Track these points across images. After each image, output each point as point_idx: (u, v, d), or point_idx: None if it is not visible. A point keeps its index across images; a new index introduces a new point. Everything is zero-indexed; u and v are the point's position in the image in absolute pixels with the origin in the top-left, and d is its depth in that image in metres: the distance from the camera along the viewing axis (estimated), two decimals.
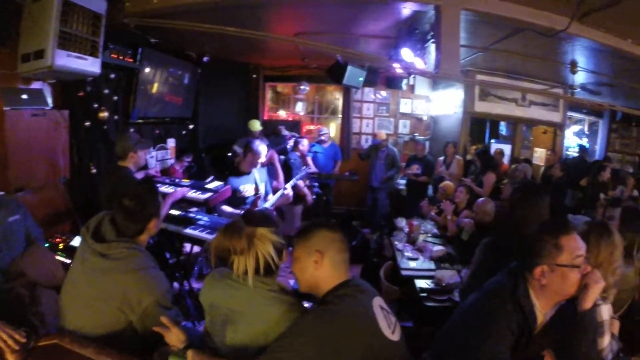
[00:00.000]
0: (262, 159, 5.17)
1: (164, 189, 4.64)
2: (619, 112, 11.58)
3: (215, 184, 4.87)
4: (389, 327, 1.97)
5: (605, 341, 2.27)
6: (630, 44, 5.24)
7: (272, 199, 5.29)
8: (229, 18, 4.98)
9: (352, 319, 1.88)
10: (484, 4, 4.28)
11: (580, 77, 8.21)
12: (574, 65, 6.98)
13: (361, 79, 7.75)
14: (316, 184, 7.66)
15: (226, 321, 2.04)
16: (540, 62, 7.19)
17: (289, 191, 5.39)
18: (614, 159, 12.16)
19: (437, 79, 9.81)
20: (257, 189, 5.19)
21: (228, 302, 2.07)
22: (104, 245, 2.33)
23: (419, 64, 5.43)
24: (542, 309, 2.03)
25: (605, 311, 2.28)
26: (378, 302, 2.02)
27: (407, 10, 4.75)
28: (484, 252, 3.19)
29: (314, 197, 7.49)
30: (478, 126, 11.89)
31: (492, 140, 12.31)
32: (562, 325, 2.02)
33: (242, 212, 4.89)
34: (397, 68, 5.64)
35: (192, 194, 4.62)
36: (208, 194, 4.61)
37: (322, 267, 2.01)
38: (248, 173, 5.14)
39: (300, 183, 6.65)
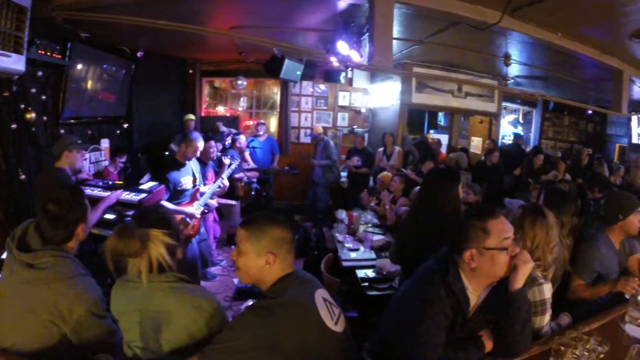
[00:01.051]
0: (198, 153, 5.09)
1: (97, 192, 4.52)
2: (551, 102, 12.19)
3: (150, 184, 4.78)
4: (332, 319, 2.01)
5: (546, 319, 2.42)
6: (560, 37, 5.43)
7: (208, 190, 5.27)
8: (162, 11, 4.88)
9: (291, 311, 1.91)
10: None
11: (514, 69, 8.52)
12: (507, 57, 7.22)
13: (299, 72, 7.72)
14: (254, 179, 7.64)
15: (142, 323, 2.03)
16: (475, 54, 7.39)
17: (225, 182, 5.44)
18: (548, 146, 12.97)
19: (370, 71, 10.04)
20: (195, 181, 5.14)
21: (133, 305, 2.06)
22: (29, 254, 2.23)
23: (355, 56, 5.49)
24: (475, 291, 2.10)
25: (547, 290, 2.43)
26: (321, 293, 2.06)
27: (342, 3, 4.78)
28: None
29: (253, 193, 7.49)
30: (417, 117, 12.19)
31: (431, 131, 12.69)
32: (496, 305, 2.11)
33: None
34: (334, 61, 5.69)
35: (126, 196, 4.51)
36: (142, 195, 4.52)
37: (272, 267, 2.02)
38: (184, 165, 5.03)
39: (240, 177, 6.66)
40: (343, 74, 10.19)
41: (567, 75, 8.29)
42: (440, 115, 12.89)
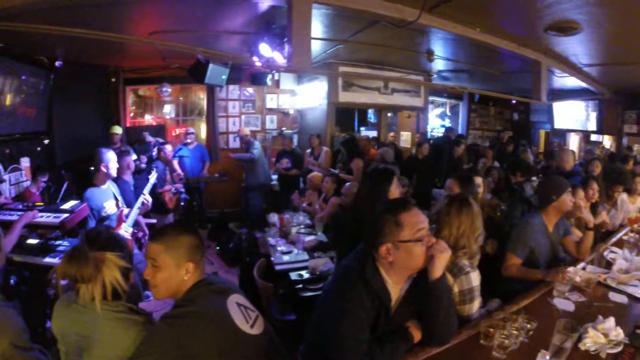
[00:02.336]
0: (113, 170, 4.85)
1: (16, 217, 4.21)
2: (477, 94, 12.71)
3: (71, 203, 4.59)
4: (247, 322, 2.03)
5: (475, 306, 2.51)
6: (479, 32, 5.64)
7: (133, 212, 5.00)
8: (77, 17, 4.73)
9: (203, 318, 1.91)
10: None
11: (438, 64, 8.81)
12: (430, 53, 7.44)
13: (224, 76, 7.60)
14: (183, 189, 7.54)
15: (80, 349, 1.96)
16: (399, 51, 7.58)
17: (147, 197, 5.14)
18: (476, 136, 13.70)
19: (290, 72, 10.14)
20: (118, 204, 4.91)
21: (77, 329, 1.98)
22: None
23: (278, 58, 5.52)
24: (396, 284, 2.15)
25: (475, 278, 2.52)
26: (235, 299, 2.07)
27: (263, 5, 4.78)
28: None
29: (182, 203, 7.39)
30: (347, 115, 12.36)
31: (362, 128, 12.93)
32: (419, 295, 2.16)
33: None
34: (257, 62, 5.71)
35: (45, 218, 4.29)
36: (64, 216, 4.32)
37: (192, 275, 2.03)
38: (103, 187, 4.81)
39: (168, 189, 6.56)
40: (270, 76, 10.15)
41: (489, 68, 8.62)
42: (370, 112, 13.12)
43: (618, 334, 2.31)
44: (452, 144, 9.72)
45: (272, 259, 4.99)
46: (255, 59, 5.72)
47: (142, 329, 1.97)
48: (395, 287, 2.16)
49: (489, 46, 6.07)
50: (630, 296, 3.01)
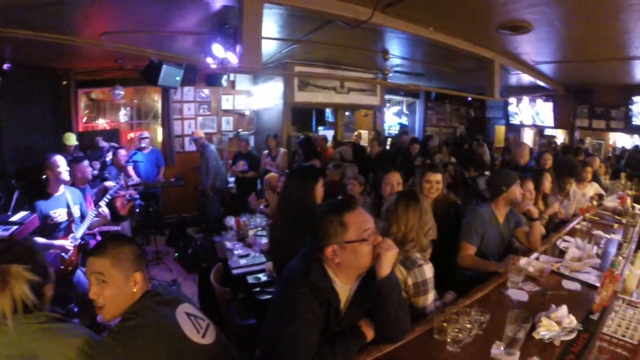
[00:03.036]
0: (65, 174, 4.59)
1: None
2: (433, 92, 12.96)
3: (20, 214, 4.42)
4: (198, 332, 2.01)
5: (430, 298, 2.54)
6: (432, 31, 5.77)
7: (86, 221, 4.72)
8: (24, 18, 4.63)
9: (151, 330, 1.86)
10: None
11: (394, 63, 8.94)
12: (385, 53, 7.55)
13: (178, 78, 7.55)
14: (137, 195, 7.37)
15: None
16: (355, 51, 7.66)
17: (104, 209, 4.84)
18: (433, 132, 14.09)
19: (241, 73, 10.12)
20: (70, 213, 4.66)
21: (5, 350, 1.84)
22: None
23: (231, 58, 5.49)
24: (345, 284, 2.14)
25: (429, 270, 2.55)
26: (184, 308, 2.04)
27: (215, 5, 4.75)
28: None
29: (138, 210, 7.26)
30: (305, 115, 12.35)
31: (320, 127, 12.94)
32: (368, 294, 2.16)
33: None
34: (211, 63, 5.66)
35: None
36: (13, 228, 4.15)
37: (140, 286, 2.00)
38: (56, 194, 4.59)
39: (121, 195, 6.39)
40: (225, 77, 10.04)
41: (444, 66, 8.84)
42: (328, 111, 13.15)
43: (571, 321, 2.37)
44: (407, 143, 9.93)
45: (228, 263, 4.93)
46: (209, 59, 5.64)
47: (85, 343, 1.88)
48: (345, 287, 2.16)
49: (443, 45, 6.22)
50: (583, 283, 3.11)
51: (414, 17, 5.38)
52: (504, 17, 5.23)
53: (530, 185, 4.43)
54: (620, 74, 9.10)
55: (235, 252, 5.18)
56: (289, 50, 7.71)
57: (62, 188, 4.65)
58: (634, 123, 10.60)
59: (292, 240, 2.87)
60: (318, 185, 3.31)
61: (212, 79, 9.92)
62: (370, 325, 2.21)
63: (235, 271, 4.72)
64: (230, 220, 6.17)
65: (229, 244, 5.44)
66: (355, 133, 11.45)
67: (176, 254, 7.66)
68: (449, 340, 2.19)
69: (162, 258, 7.58)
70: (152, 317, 1.90)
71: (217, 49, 5.48)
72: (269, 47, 7.32)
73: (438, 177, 3.93)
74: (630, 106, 10.57)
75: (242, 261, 4.93)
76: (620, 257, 3.45)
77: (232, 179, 9.56)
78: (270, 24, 5.70)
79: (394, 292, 2.13)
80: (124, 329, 1.85)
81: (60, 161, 4.59)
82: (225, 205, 9.29)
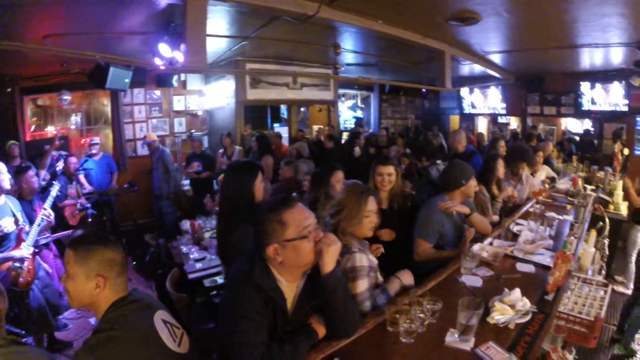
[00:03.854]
0: (5, 182, 4.38)
1: None
2: (387, 85, 13.10)
3: None
4: (174, 341, 2.01)
5: (360, 286, 2.56)
6: (382, 24, 5.79)
7: (33, 229, 4.56)
8: None
9: (131, 341, 1.86)
10: None
11: (347, 57, 8.96)
12: (336, 47, 7.54)
13: (127, 80, 7.38)
14: (89, 205, 7.14)
15: None
16: (306, 46, 7.67)
17: (49, 212, 4.70)
18: (389, 124, 14.36)
19: (185, 72, 9.93)
20: (17, 221, 4.50)
21: None
22: None
23: (179, 58, 5.37)
24: (291, 283, 2.13)
25: (361, 259, 2.61)
26: (161, 315, 2.04)
27: (161, 3, 4.64)
28: None
29: (90, 220, 7.04)
30: (259, 113, 12.33)
31: (276, 125, 12.91)
32: (315, 291, 2.14)
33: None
34: (159, 64, 5.52)
35: None
36: None
37: (103, 291, 1.96)
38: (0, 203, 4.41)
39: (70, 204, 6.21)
40: (175, 77, 9.85)
41: (397, 59, 8.91)
42: (283, 108, 13.12)
43: (525, 303, 2.41)
44: (352, 137, 9.95)
45: (184, 267, 4.83)
46: (157, 60, 5.51)
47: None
48: (291, 286, 2.14)
49: (393, 38, 6.25)
50: (537, 265, 3.17)
51: (362, 10, 5.37)
52: (453, 8, 5.29)
53: (501, 167, 4.68)
54: (569, 62, 9.40)
55: (191, 256, 5.12)
56: (239, 48, 7.63)
57: (2, 198, 4.46)
58: (583, 108, 11.01)
59: (233, 239, 2.88)
60: (257, 180, 3.23)
61: (162, 80, 9.73)
62: (321, 321, 2.18)
63: (191, 276, 4.65)
64: (185, 224, 6.10)
65: (184, 249, 5.37)
66: (316, 129, 11.45)
67: (134, 262, 7.47)
68: (401, 331, 2.17)
69: (126, 269, 7.33)
70: (130, 326, 1.90)
71: (164, 48, 5.37)
72: (219, 45, 7.24)
73: (389, 169, 3.90)
74: (579, 92, 10.97)
75: (198, 265, 4.87)
76: (573, 238, 3.54)
77: (186, 182, 9.38)
78: (219, 21, 5.63)
79: (340, 287, 2.11)
80: (101, 341, 1.83)
81: (1, 169, 4.39)
82: (181, 208, 9.11)
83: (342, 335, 2.20)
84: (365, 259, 2.65)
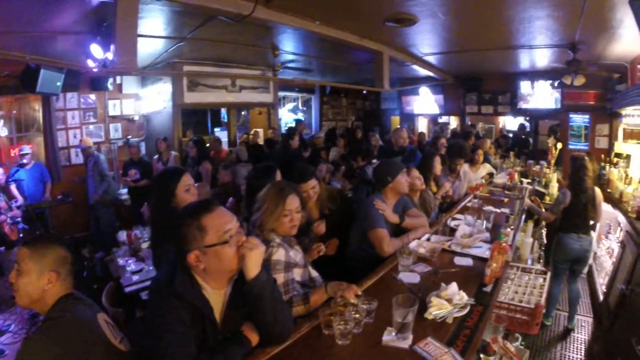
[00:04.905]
0: None
1: None
2: (328, 87, 13.20)
3: None
4: (116, 338, 2.11)
5: (281, 278, 2.57)
6: (319, 25, 5.80)
7: None
8: None
9: (77, 327, 1.97)
10: None
11: (287, 58, 8.98)
12: (275, 48, 7.58)
13: (59, 83, 7.10)
14: (19, 218, 6.75)
15: None
16: (245, 47, 7.60)
17: None
18: (330, 126, 14.68)
19: (116, 74, 9.41)
20: None
21: None
22: None
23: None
24: (217, 290, 2.06)
25: (279, 254, 2.63)
26: (102, 317, 2.15)
27: (92, 1, 4.51)
28: None
29: (22, 235, 6.70)
30: (200, 117, 12.20)
31: (217, 129, 12.81)
32: (242, 297, 2.05)
33: None
34: (92, 66, 5.30)
35: None
36: None
37: (54, 286, 2.06)
38: None
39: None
40: (111, 80, 9.43)
41: (337, 60, 9.00)
42: (224, 111, 12.99)
43: (462, 297, 2.42)
44: (285, 137, 9.85)
45: (121, 281, 4.65)
46: (90, 62, 5.29)
47: None
48: (217, 293, 2.06)
49: (330, 39, 6.28)
50: (476, 258, 3.21)
51: (299, 11, 5.35)
52: (389, 9, 5.35)
53: (415, 172, 4.58)
54: (506, 62, 9.76)
55: (128, 268, 4.92)
56: (176, 49, 7.48)
57: None
58: (518, 107, 11.66)
59: (159, 251, 2.87)
60: (180, 186, 3.13)
61: (97, 83, 9.27)
62: (253, 328, 2.09)
63: (128, 289, 4.48)
64: (122, 235, 5.85)
65: (121, 261, 5.16)
66: (252, 132, 11.35)
67: None
68: (337, 334, 2.12)
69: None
70: (77, 315, 2.02)
71: (96, 49, 5.18)
72: (155, 46, 7.11)
73: (311, 184, 3.81)
74: (515, 91, 11.59)
75: (135, 277, 4.71)
76: (509, 229, 3.65)
77: (124, 190, 9.08)
78: (154, 20, 5.51)
79: (266, 292, 2.02)
80: (48, 328, 1.95)
81: None
82: (120, 218, 8.81)
83: (275, 341, 2.13)
84: (282, 254, 2.63)
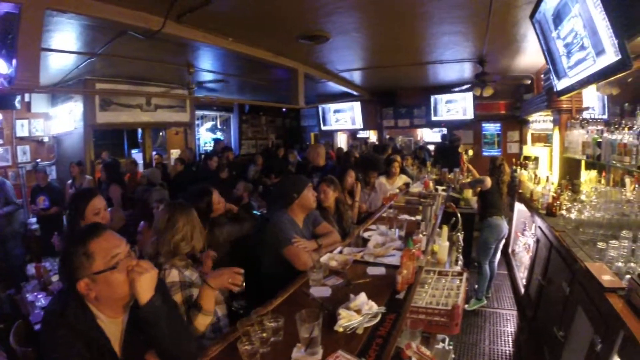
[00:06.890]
0: None
1: None
2: (247, 105, 13.22)
3: None
4: None
5: (178, 298, 2.51)
6: (232, 42, 5.81)
7: None
8: None
9: None
10: (71, 3, 4.04)
11: (206, 76, 8.93)
12: (190, 66, 7.54)
13: None
14: None
15: None
16: (159, 64, 7.47)
17: None
18: (250, 145, 14.82)
19: (16, 92, 8.47)
20: None
21: None
22: None
23: None
24: (113, 318, 1.96)
25: (172, 275, 2.57)
26: None
27: None
28: None
29: None
30: (115, 138, 11.80)
31: (134, 150, 12.42)
32: (140, 324, 1.96)
33: None
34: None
35: None
36: None
37: None
38: None
39: None
40: (19, 97, 8.81)
41: (254, 78, 9.05)
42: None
43: (371, 307, 2.40)
44: (205, 157, 9.71)
45: (30, 318, 4.27)
46: None
47: None
48: (114, 321, 1.96)
49: (245, 56, 6.31)
50: (389, 266, 3.20)
51: (211, 27, 5.34)
52: (302, 27, 5.43)
53: (350, 178, 5.06)
54: (419, 77, 10.18)
55: (37, 304, 4.55)
56: (88, 65, 7.21)
57: None
58: (433, 119, 12.19)
59: None
60: (89, 209, 3.00)
61: (3, 101, 8.52)
62: (155, 357, 1.99)
63: (37, 326, 4.05)
64: (31, 269, 5.47)
65: (29, 297, 4.78)
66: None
67: None
68: (244, 356, 2.02)
69: None
70: None
71: (0, 64, 4.83)
72: (65, 62, 6.84)
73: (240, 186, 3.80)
74: (429, 104, 12.08)
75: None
76: (421, 235, 3.62)
77: (34, 219, 8.42)
78: (63, 34, 5.30)
79: (161, 318, 1.93)
80: None
81: None
82: (31, 251, 8.16)
83: None
84: (176, 274, 2.59)
